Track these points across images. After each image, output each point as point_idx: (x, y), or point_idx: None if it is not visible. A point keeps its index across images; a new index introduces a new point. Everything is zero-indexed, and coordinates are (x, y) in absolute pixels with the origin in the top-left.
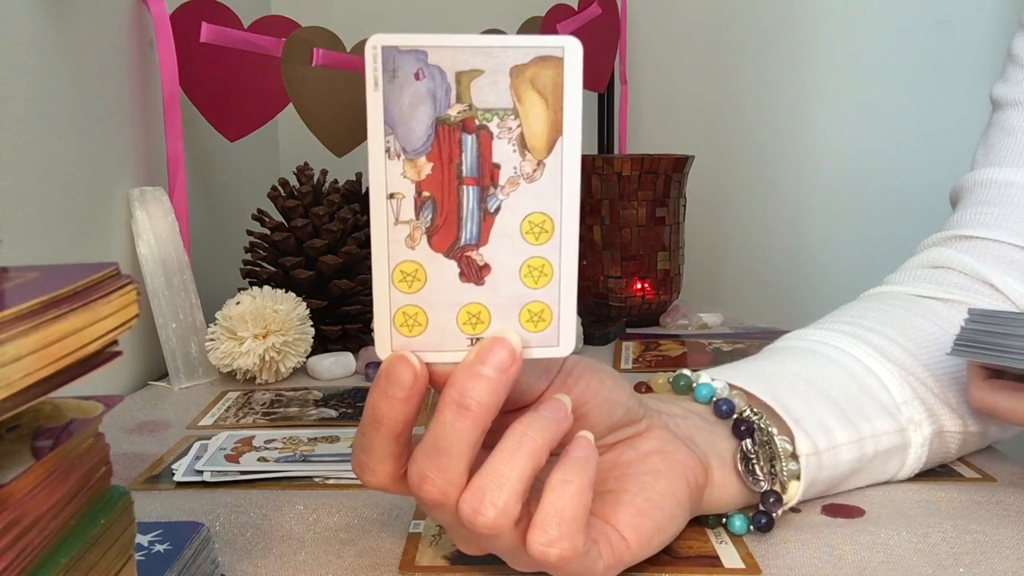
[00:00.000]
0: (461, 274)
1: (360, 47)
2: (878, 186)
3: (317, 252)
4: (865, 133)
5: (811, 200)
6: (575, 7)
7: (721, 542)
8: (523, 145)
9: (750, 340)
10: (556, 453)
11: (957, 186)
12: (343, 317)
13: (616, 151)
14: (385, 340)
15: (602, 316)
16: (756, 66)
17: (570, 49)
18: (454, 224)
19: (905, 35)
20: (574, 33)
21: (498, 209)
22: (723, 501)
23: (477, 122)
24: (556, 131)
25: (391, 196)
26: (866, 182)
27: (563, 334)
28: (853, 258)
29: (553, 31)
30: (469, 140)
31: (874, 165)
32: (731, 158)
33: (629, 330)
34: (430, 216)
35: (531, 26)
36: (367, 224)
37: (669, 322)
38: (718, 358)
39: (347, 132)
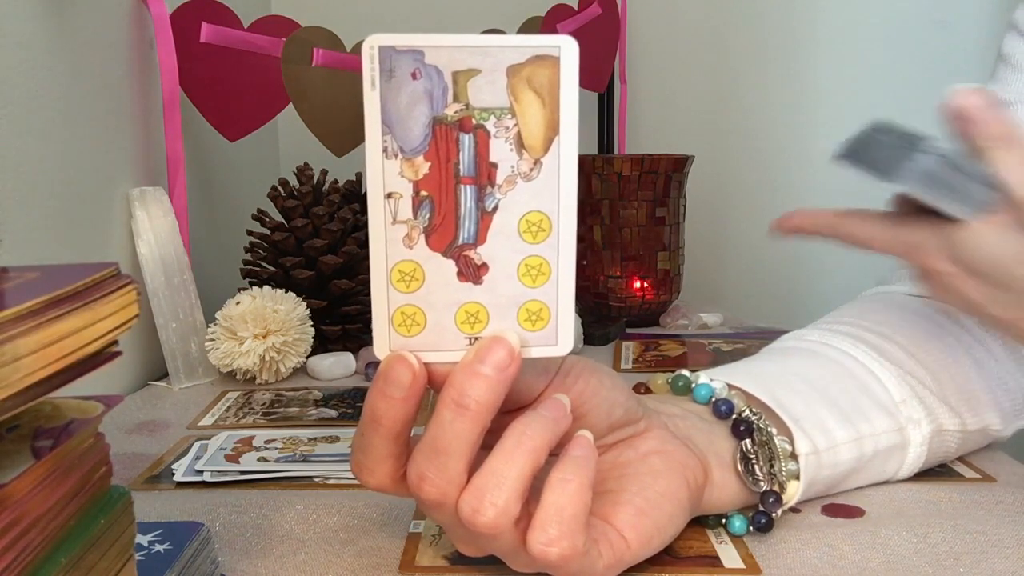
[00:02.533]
0: (459, 273)
1: (360, 47)
2: (877, 185)
3: (317, 252)
4: None
5: (810, 200)
6: (575, 7)
7: (721, 542)
8: (520, 144)
9: (750, 340)
10: (555, 453)
11: None
12: (343, 317)
13: (616, 151)
14: (383, 340)
15: (602, 316)
16: (756, 66)
17: (566, 48)
18: (452, 223)
19: (904, 35)
20: (574, 33)
21: (496, 208)
22: (723, 501)
23: (474, 121)
24: (553, 130)
25: (389, 195)
26: (865, 181)
27: (561, 333)
28: (852, 258)
29: (553, 31)
30: (466, 139)
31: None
32: (731, 158)
33: (629, 330)
34: (428, 215)
35: (531, 26)
36: (367, 224)
37: (669, 322)
38: (718, 358)
39: (347, 132)
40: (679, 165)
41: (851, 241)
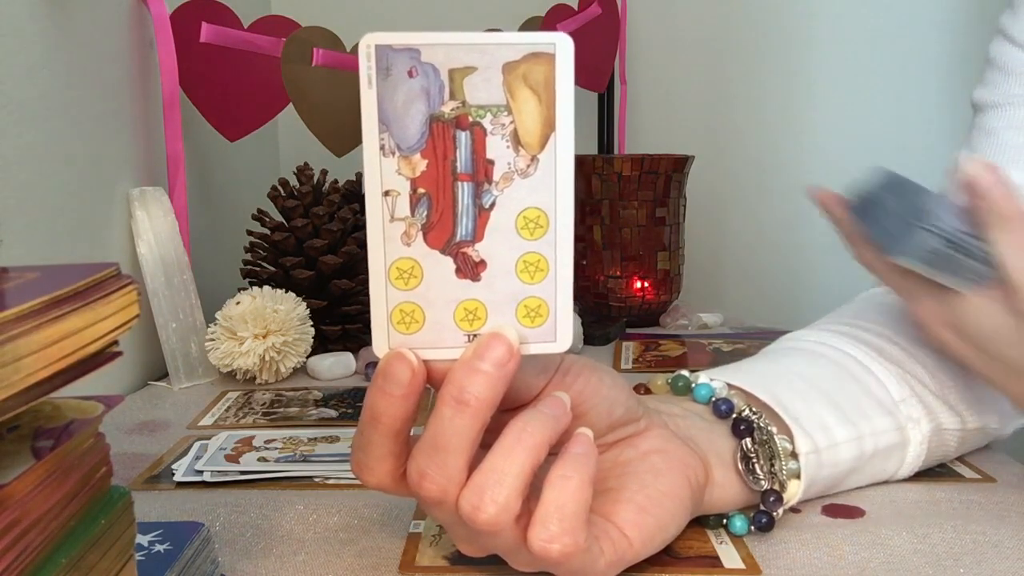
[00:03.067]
0: (457, 270)
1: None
2: None
3: (317, 252)
4: (863, 134)
5: (810, 200)
6: (575, 7)
7: (721, 542)
8: (516, 141)
9: (750, 340)
10: (555, 451)
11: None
12: (343, 317)
13: (616, 151)
14: (382, 338)
15: (602, 316)
16: (755, 66)
17: (561, 45)
18: (449, 220)
19: (904, 36)
20: (574, 33)
21: (493, 205)
22: (723, 501)
23: (471, 119)
24: (549, 126)
25: (386, 193)
26: None
27: (560, 329)
28: (852, 258)
29: (553, 31)
30: (463, 137)
31: (873, 166)
32: (731, 158)
33: (629, 330)
34: (425, 213)
35: (531, 26)
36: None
37: (669, 322)
38: (718, 358)
39: (347, 132)
40: (679, 165)
41: (858, 259)
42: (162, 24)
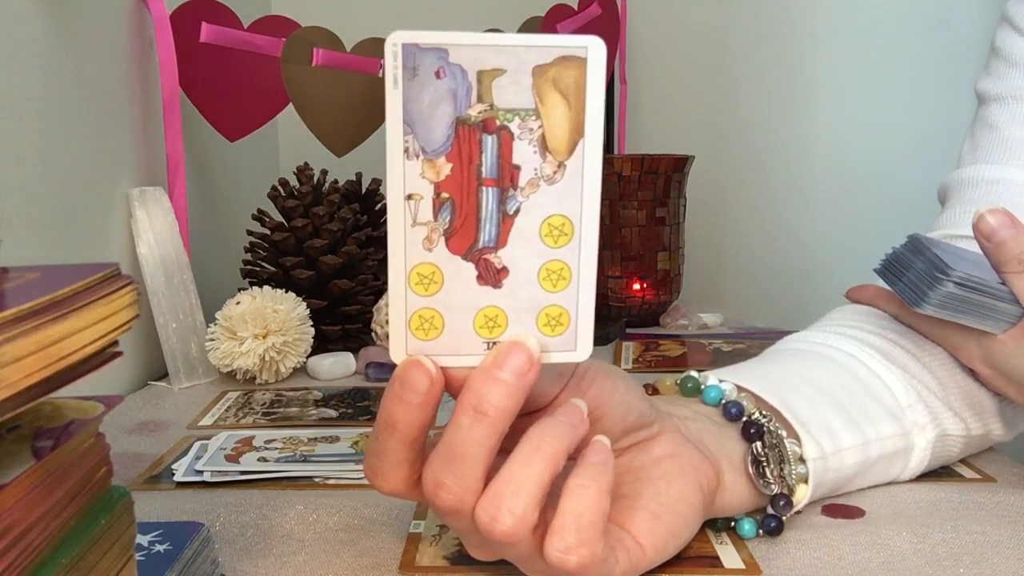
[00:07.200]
0: (479, 277)
1: (360, 47)
2: (878, 186)
3: (317, 252)
4: (865, 133)
5: (811, 200)
6: (575, 7)
7: (721, 542)
8: (544, 146)
9: (750, 340)
10: (571, 458)
11: (945, 184)
12: (343, 317)
13: (616, 151)
14: (400, 344)
15: (602, 316)
16: (756, 66)
17: (593, 49)
18: (472, 226)
19: (905, 35)
20: (574, 33)
21: (517, 211)
22: (733, 504)
23: (498, 122)
24: (578, 132)
25: (409, 197)
26: (866, 182)
27: (580, 338)
28: (853, 258)
29: (553, 31)
30: (489, 141)
31: (874, 165)
32: (731, 158)
33: (629, 330)
34: (448, 218)
35: (531, 26)
36: (367, 224)
37: (669, 322)
38: (718, 358)
39: (347, 132)
40: (679, 165)
41: (904, 322)
42: (162, 24)
